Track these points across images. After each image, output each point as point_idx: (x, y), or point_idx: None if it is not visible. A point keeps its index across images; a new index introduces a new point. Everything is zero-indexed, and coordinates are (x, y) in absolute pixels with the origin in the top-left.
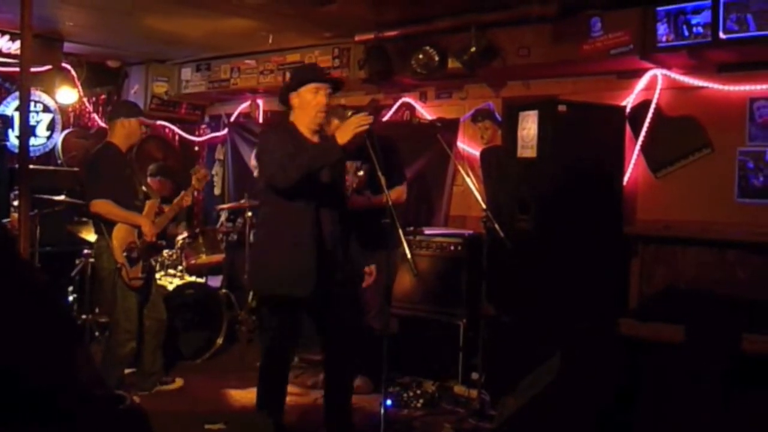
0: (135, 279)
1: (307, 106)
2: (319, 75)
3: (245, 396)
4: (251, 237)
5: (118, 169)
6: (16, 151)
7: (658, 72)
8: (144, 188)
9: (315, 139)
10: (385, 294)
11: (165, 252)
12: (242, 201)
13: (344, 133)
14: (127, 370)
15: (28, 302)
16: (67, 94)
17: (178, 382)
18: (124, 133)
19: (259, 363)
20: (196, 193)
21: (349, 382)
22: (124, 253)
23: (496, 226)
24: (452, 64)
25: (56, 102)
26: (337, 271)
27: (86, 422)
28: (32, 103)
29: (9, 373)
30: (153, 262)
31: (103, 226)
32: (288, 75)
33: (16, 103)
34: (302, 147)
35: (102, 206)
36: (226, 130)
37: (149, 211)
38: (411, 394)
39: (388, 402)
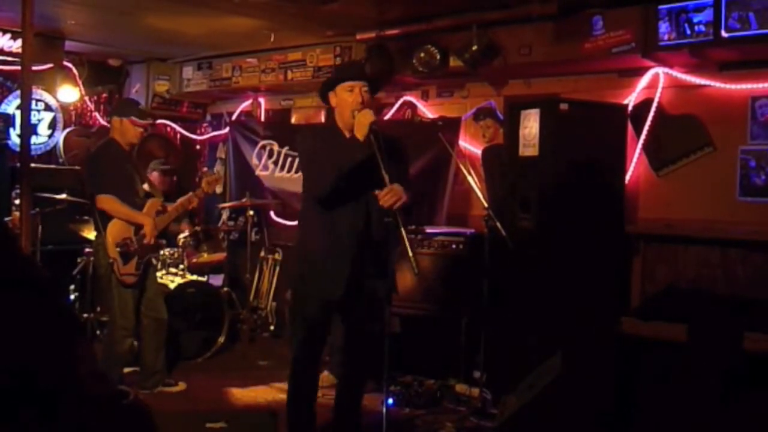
0: (128, 275)
1: (344, 105)
2: (354, 73)
3: (247, 395)
4: (252, 235)
5: (118, 165)
6: (18, 149)
7: (660, 70)
8: (147, 187)
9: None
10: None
11: (166, 251)
12: (244, 200)
13: (360, 129)
14: (128, 369)
15: (29, 298)
16: (69, 93)
17: (181, 385)
18: (117, 131)
19: (289, 370)
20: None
21: (364, 385)
22: (118, 249)
23: (498, 224)
24: (454, 62)
25: (57, 100)
26: (373, 276)
27: (88, 418)
28: (33, 102)
29: (9, 369)
30: (154, 261)
31: (101, 222)
32: (288, 74)
33: (18, 101)
34: (337, 149)
35: (107, 202)
36: (227, 129)
37: (150, 209)
38: (413, 392)
39: (390, 401)
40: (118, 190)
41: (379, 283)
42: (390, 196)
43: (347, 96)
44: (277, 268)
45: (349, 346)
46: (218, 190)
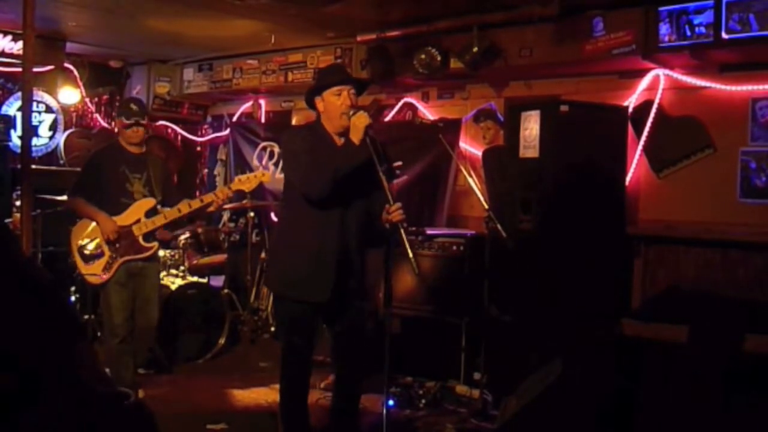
0: (91, 275)
1: (332, 109)
2: (342, 76)
3: (248, 396)
4: (253, 237)
5: (104, 166)
6: (19, 151)
7: (661, 72)
8: (143, 187)
9: (342, 142)
10: (386, 295)
11: (166, 252)
12: (244, 201)
13: (356, 133)
14: (141, 371)
15: (31, 299)
16: (70, 95)
17: (141, 392)
18: (119, 132)
19: (280, 370)
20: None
21: (359, 388)
22: (78, 249)
23: (498, 226)
24: (454, 64)
25: (59, 102)
26: (354, 278)
27: (90, 418)
28: (35, 104)
29: (11, 369)
30: (140, 263)
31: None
32: (289, 76)
33: (19, 103)
34: (328, 150)
35: (71, 203)
36: (228, 131)
37: (135, 209)
38: (413, 394)
39: (390, 402)
40: (99, 190)
41: (360, 286)
42: (401, 212)
43: (335, 100)
44: None
45: (338, 349)
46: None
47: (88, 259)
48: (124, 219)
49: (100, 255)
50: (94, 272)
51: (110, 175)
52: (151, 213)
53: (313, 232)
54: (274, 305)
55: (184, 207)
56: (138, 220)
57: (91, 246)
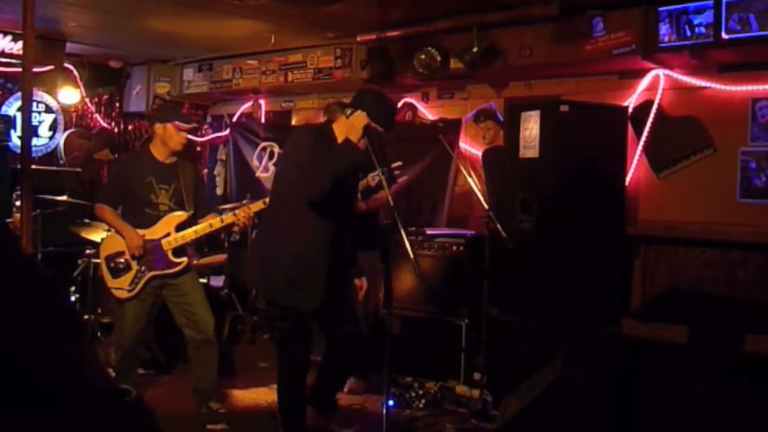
0: (117, 290)
1: (356, 132)
2: (390, 124)
3: (247, 396)
4: (253, 237)
5: (131, 174)
6: (19, 151)
7: (661, 72)
8: (169, 199)
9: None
10: (386, 295)
11: None
12: (244, 201)
13: (354, 133)
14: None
15: (31, 296)
16: (70, 95)
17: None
18: (159, 138)
19: (277, 371)
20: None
21: (343, 380)
22: (106, 262)
23: (498, 226)
24: (454, 64)
25: (58, 102)
26: (343, 284)
27: (91, 415)
28: (34, 104)
29: (12, 367)
30: (170, 280)
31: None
32: (289, 76)
33: (19, 103)
34: (328, 149)
35: (99, 211)
36: (228, 131)
37: (166, 222)
38: (413, 394)
39: (390, 402)
40: (124, 199)
41: (349, 285)
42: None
43: (359, 124)
44: None
45: (329, 349)
46: (219, 191)
47: (115, 272)
48: (153, 232)
49: (128, 269)
50: (121, 287)
51: (136, 184)
52: (182, 227)
53: (321, 234)
54: (266, 307)
55: (216, 222)
56: (168, 234)
57: (118, 260)
